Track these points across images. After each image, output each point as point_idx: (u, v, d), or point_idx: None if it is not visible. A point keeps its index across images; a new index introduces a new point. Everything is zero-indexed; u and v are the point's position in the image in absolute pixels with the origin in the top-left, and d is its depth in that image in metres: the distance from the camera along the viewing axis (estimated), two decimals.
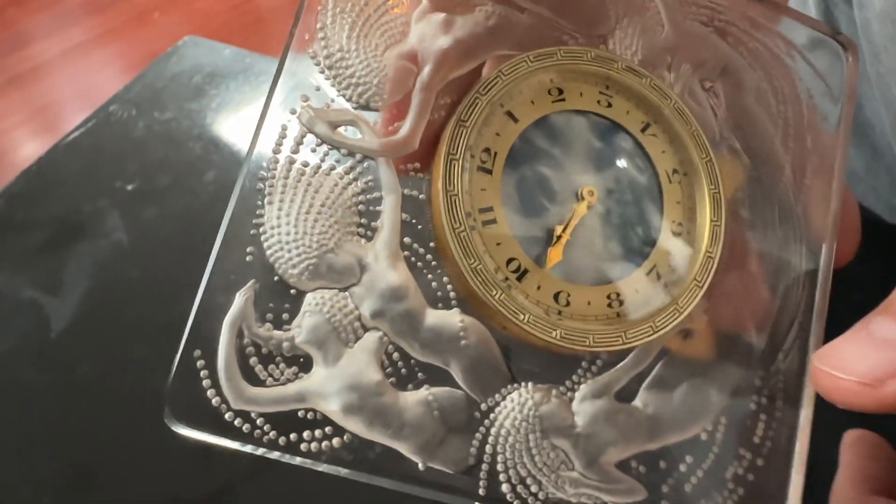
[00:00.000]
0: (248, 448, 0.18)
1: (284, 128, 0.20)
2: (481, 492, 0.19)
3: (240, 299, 0.18)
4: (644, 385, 0.21)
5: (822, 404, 0.21)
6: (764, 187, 0.23)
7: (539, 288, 0.20)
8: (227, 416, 0.18)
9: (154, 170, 0.44)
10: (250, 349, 0.18)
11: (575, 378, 0.20)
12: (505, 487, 0.19)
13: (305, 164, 0.20)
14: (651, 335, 0.21)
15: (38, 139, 1.21)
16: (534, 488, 0.20)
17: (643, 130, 0.22)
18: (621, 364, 0.21)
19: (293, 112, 0.20)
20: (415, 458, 0.19)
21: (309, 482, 0.36)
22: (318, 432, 0.18)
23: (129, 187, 0.43)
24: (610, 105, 0.22)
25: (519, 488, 0.19)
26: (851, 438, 0.25)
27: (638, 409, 0.21)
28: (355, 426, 0.19)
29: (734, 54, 0.24)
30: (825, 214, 0.23)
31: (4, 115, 1.23)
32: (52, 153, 0.45)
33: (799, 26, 0.24)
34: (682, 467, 0.20)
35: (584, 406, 0.20)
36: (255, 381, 0.18)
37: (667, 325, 0.21)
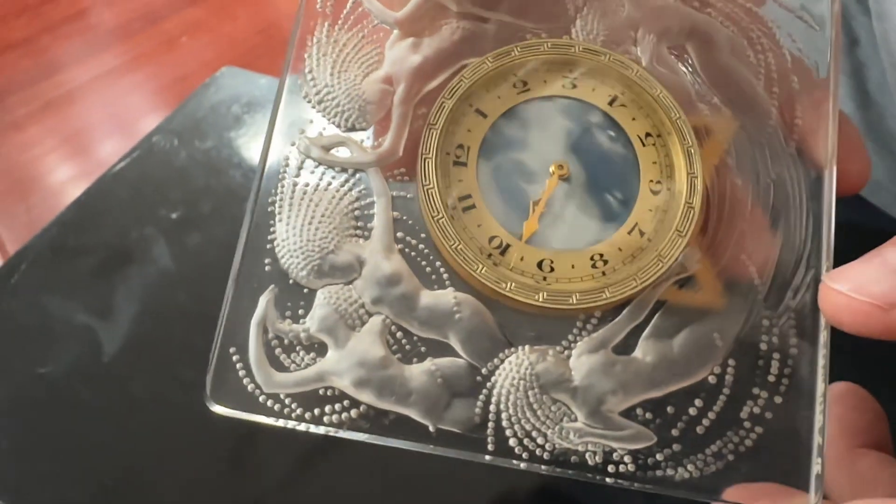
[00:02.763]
0: (280, 422, 0.21)
1: (286, 158, 0.23)
2: (490, 447, 0.21)
3: (262, 302, 0.22)
4: (643, 336, 0.22)
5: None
6: (750, 133, 0.24)
7: (522, 259, 0.22)
8: (260, 398, 0.21)
9: (197, 198, 0.46)
10: (275, 342, 0.21)
11: (570, 338, 0.22)
12: (512, 442, 0.21)
13: (306, 185, 0.23)
14: (635, 287, 0.22)
15: (72, 162, 1.23)
16: (540, 440, 0.21)
17: (611, 104, 0.24)
18: (616, 319, 0.22)
19: (293, 144, 0.23)
20: (425, 422, 0.21)
21: (338, 494, 0.37)
22: (337, 406, 0.21)
23: (174, 215, 0.45)
24: (574, 86, 0.24)
25: (526, 441, 0.21)
26: (838, 391, 0.24)
27: (637, 359, 0.22)
28: (367, 397, 0.21)
29: (700, 16, 0.25)
30: (823, 146, 0.23)
31: (39, 140, 1.26)
32: (99, 183, 0.47)
33: None
34: (692, 411, 0.21)
35: (580, 361, 0.21)
36: (281, 367, 0.21)
37: (650, 276, 0.22)
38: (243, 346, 0.21)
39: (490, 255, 0.22)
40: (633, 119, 0.24)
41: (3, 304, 0.43)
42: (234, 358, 0.21)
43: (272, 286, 0.22)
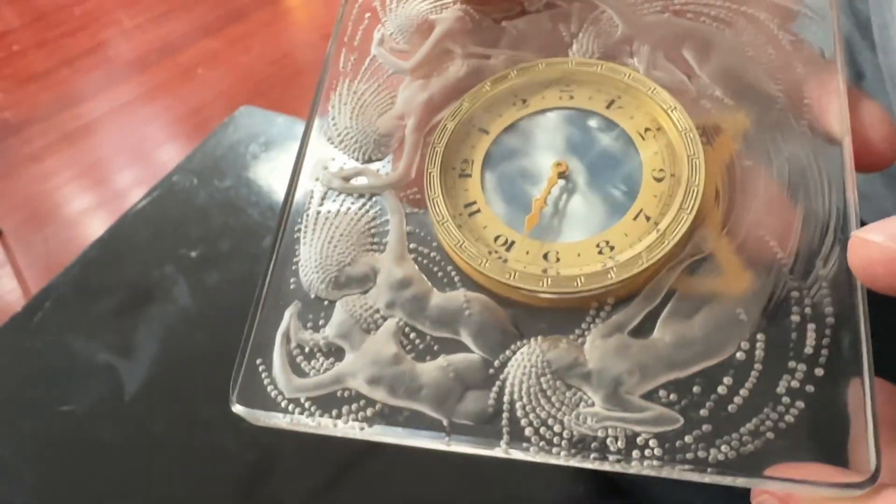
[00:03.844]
0: (301, 425, 0.22)
1: (311, 191, 0.25)
2: (505, 437, 0.21)
3: (287, 315, 0.23)
4: (660, 318, 0.21)
5: None
6: (759, 119, 0.24)
7: (528, 253, 0.23)
8: (282, 403, 0.22)
9: (216, 237, 0.47)
10: (296, 350, 0.23)
11: (584, 326, 0.22)
12: (528, 431, 0.21)
13: (328, 212, 0.25)
14: (642, 265, 0.22)
15: (90, 193, 1.25)
16: (556, 428, 0.20)
17: (608, 107, 0.25)
18: (630, 304, 0.22)
19: (316, 179, 0.25)
20: (438, 416, 0.21)
21: None
22: (353, 406, 0.22)
23: (194, 254, 0.46)
24: (572, 97, 0.25)
25: (542, 430, 0.21)
26: None
27: (655, 340, 0.21)
28: (380, 395, 0.22)
29: (694, 24, 0.26)
30: (836, 120, 0.23)
31: (58, 171, 1.28)
32: (121, 223, 0.48)
33: None
34: (721, 389, 0.20)
35: (594, 346, 0.21)
36: (302, 374, 0.22)
37: (656, 254, 0.22)
38: (268, 356, 0.23)
39: (497, 253, 0.23)
40: (632, 118, 0.25)
41: (26, 343, 0.44)
42: (261, 368, 0.22)
43: (296, 301, 0.23)
